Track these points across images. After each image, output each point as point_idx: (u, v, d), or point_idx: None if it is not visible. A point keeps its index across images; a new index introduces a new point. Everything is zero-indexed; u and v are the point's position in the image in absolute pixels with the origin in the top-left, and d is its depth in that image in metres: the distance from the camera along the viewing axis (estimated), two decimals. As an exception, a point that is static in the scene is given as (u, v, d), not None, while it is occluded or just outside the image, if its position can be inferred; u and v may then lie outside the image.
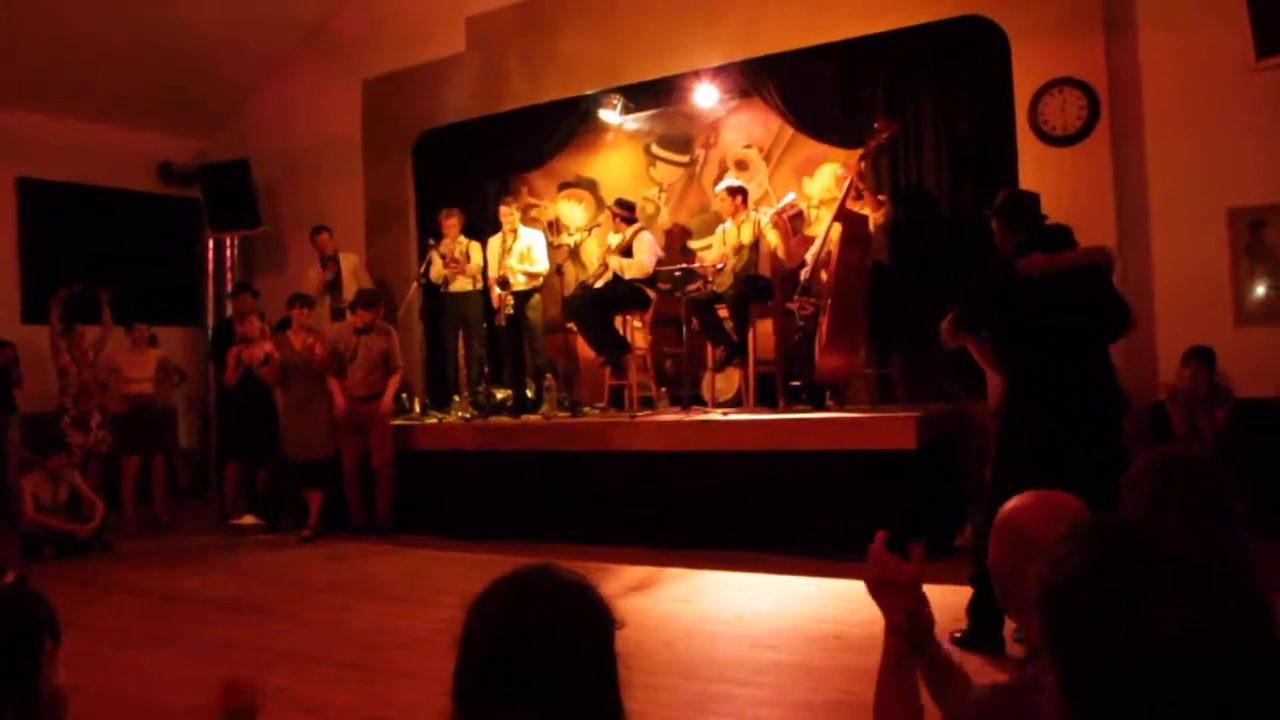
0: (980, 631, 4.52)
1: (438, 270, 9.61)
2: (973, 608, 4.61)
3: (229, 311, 10.39)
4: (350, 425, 8.73)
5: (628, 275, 8.71)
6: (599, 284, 8.96)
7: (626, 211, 8.93)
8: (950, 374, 7.53)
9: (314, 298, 9.72)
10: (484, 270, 9.64)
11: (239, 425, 9.45)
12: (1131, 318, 4.79)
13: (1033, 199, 5.13)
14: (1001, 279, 4.79)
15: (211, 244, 12.01)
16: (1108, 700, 1.01)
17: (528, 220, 9.90)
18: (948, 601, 4.87)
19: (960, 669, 2.16)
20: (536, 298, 9.38)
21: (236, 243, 12.03)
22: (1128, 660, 1.00)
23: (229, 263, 12.04)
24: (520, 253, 9.27)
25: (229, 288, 11.67)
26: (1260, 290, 7.11)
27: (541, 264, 9.37)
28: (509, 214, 9.42)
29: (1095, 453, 4.41)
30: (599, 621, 1.47)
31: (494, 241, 9.46)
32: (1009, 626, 4.29)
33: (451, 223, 9.66)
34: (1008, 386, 4.86)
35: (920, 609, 2.12)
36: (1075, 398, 4.59)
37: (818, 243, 7.73)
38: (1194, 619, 1.00)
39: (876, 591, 2.09)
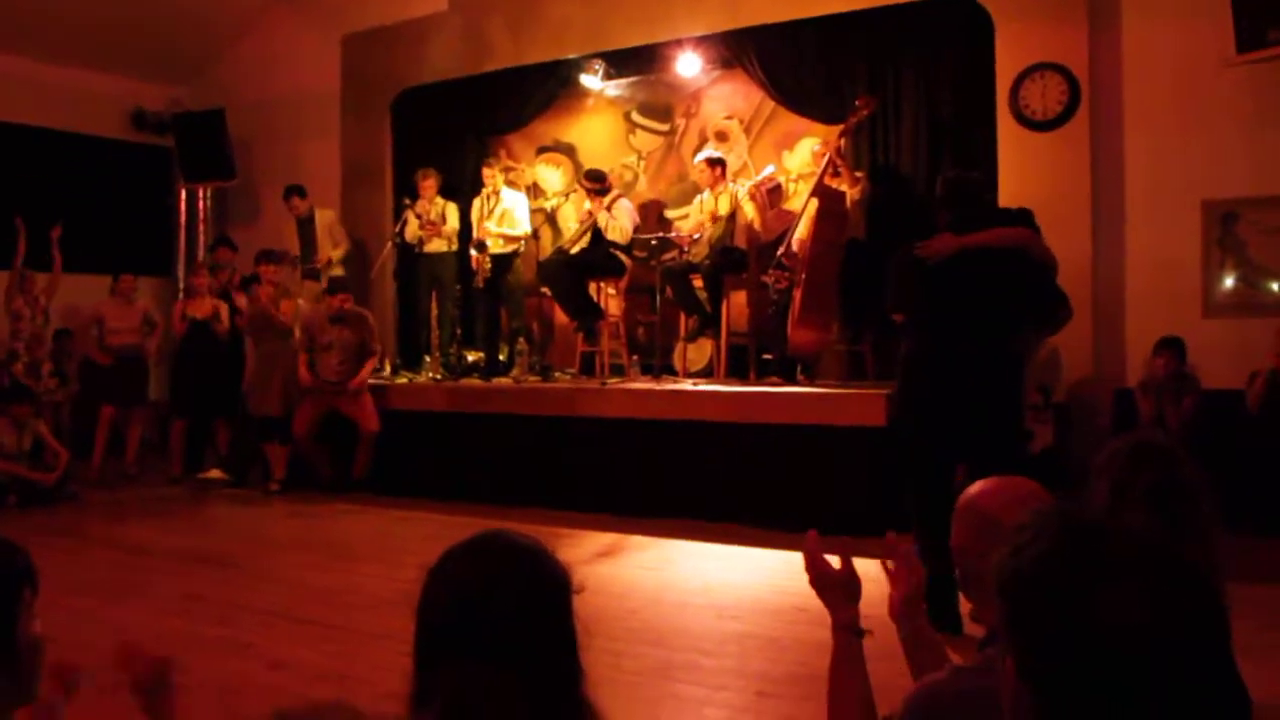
0: (937, 611, 4.53)
1: (413, 231, 9.56)
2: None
3: (208, 264, 10.31)
4: (312, 398, 8.66)
5: (610, 235, 8.67)
6: (575, 249, 8.94)
7: (597, 184, 8.83)
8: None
9: (283, 254, 9.65)
10: (460, 232, 9.63)
11: (185, 381, 9.42)
12: (1066, 309, 4.73)
13: (972, 181, 5.06)
14: (907, 260, 4.79)
15: (184, 195, 11.88)
16: (1065, 686, 1.03)
17: (509, 183, 9.84)
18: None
19: (942, 646, 2.20)
20: (518, 261, 9.36)
21: (209, 194, 11.91)
22: (1085, 647, 1.02)
23: (201, 214, 11.93)
24: (501, 214, 9.24)
25: (201, 239, 11.59)
26: (1229, 282, 7.20)
27: (523, 226, 9.35)
28: (492, 175, 9.40)
29: (983, 440, 4.47)
30: (554, 584, 1.50)
31: (476, 202, 9.43)
32: (964, 605, 4.32)
33: (428, 183, 9.61)
34: (900, 372, 4.90)
35: (911, 588, 2.19)
36: (964, 384, 4.56)
37: (799, 218, 7.74)
38: (1150, 608, 1.01)
39: (818, 589, 2.17)
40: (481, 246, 9.14)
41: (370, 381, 8.85)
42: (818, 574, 2.17)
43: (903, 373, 4.90)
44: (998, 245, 4.65)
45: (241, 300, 9.09)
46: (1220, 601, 1.05)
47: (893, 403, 4.89)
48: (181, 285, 11.26)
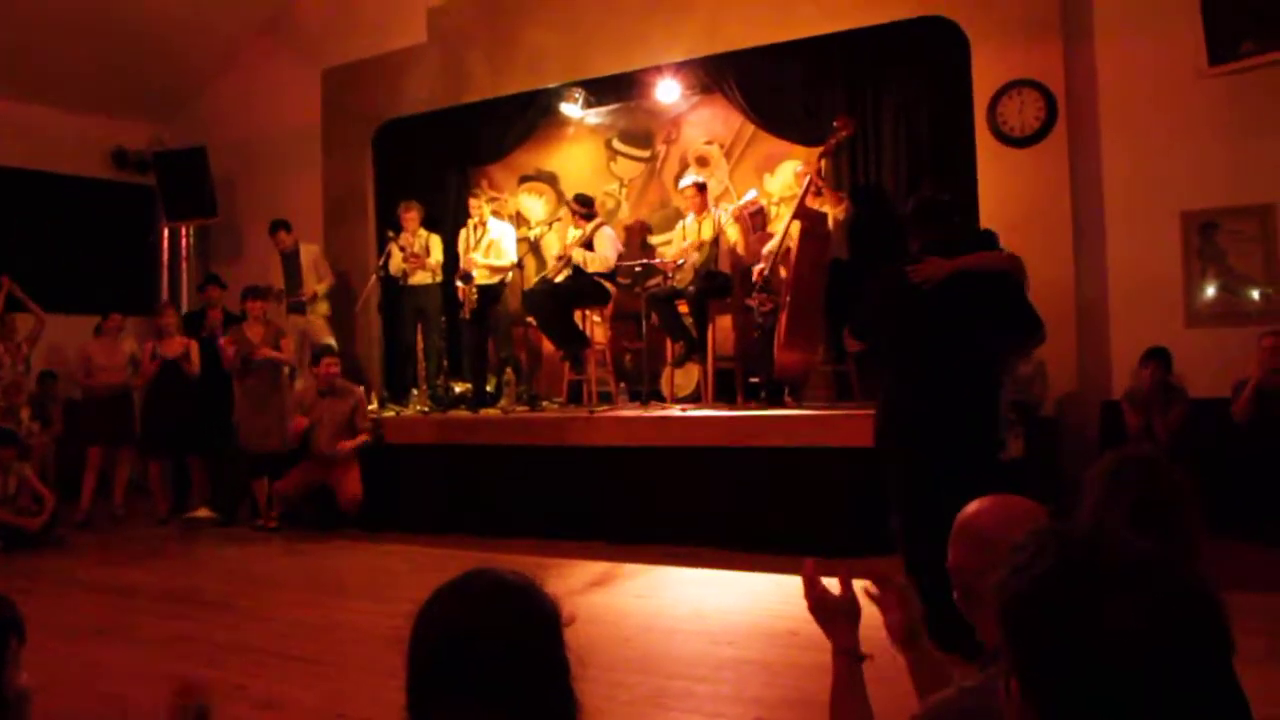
0: (946, 635, 4.46)
1: (396, 263, 9.56)
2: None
3: (196, 304, 10.30)
4: (303, 466, 8.58)
5: (590, 268, 8.71)
6: (559, 279, 8.94)
7: (584, 208, 8.91)
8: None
9: (268, 288, 9.63)
10: (444, 263, 9.64)
11: (156, 420, 9.38)
12: (1042, 331, 4.75)
13: (943, 204, 5.06)
14: (893, 284, 4.79)
15: (167, 233, 11.86)
16: (1070, 704, 1.03)
17: (495, 213, 9.85)
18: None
19: (946, 665, 2.20)
20: (505, 291, 9.36)
21: (192, 232, 11.89)
22: (1089, 664, 1.02)
23: (184, 252, 11.90)
24: (488, 245, 9.25)
25: (185, 277, 11.56)
26: (1210, 292, 7.25)
27: (510, 257, 9.35)
28: (478, 206, 9.41)
29: (961, 457, 4.48)
30: (543, 619, 1.50)
31: (462, 233, 9.44)
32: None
33: (410, 215, 9.62)
34: (882, 392, 4.91)
35: (908, 609, 2.19)
36: (944, 411, 4.58)
37: (776, 239, 7.76)
38: (1154, 623, 1.02)
39: (817, 615, 2.16)
40: (467, 278, 9.13)
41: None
42: (817, 599, 2.16)
43: (887, 396, 4.90)
44: (984, 269, 4.69)
45: (227, 344, 8.99)
46: (1223, 614, 1.05)
47: (878, 426, 4.86)
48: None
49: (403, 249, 9.53)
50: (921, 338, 4.68)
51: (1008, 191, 7.55)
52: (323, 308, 10.15)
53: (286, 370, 9.04)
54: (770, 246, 7.77)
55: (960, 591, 2.03)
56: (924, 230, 4.85)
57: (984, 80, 7.65)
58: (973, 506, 2.07)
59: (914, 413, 4.67)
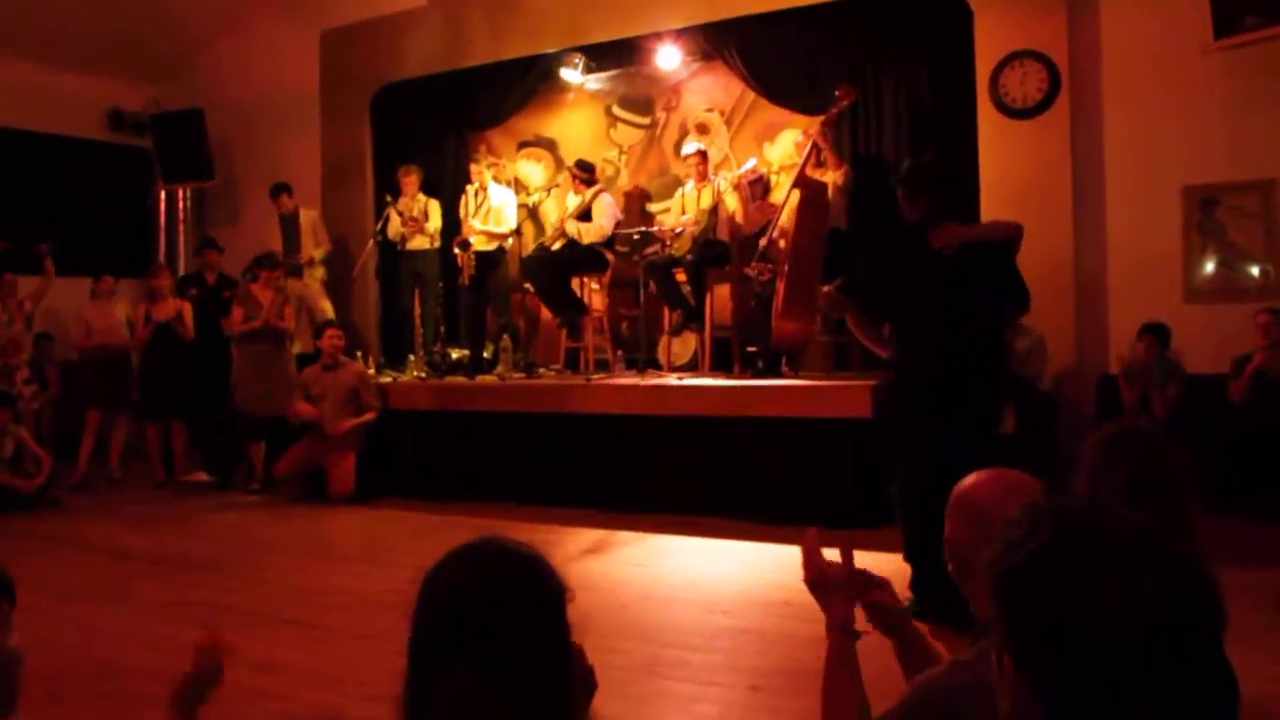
0: (938, 605, 4.46)
1: (395, 228, 9.52)
2: (916, 584, 4.62)
3: (193, 267, 10.28)
4: (303, 445, 8.52)
5: (585, 240, 8.69)
6: (556, 246, 8.92)
7: (586, 173, 8.88)
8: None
9: (279, 258, 9.61)
10: (443, 229, 9.61)
11: (151, 384, 9.37)
12: (1028, 301, 4.75)
13: (944, 168, 5.05)
14: (907, 249, 4.74)
15: (164, 196, 11.80)
16: (1066, 679, 1.03)
17: (495, 179, 9.79)
18: (900, 570, 4.94)
19: (933, 647, 2.20)
20: (505, 257, 9.33)
21: (189, 195, 11.84)
22: (1084, 640, 1.02)
23: (181, 215, 11.85)
24: (488, 211, 9.21)
25: (182, 240, 11.52)
26: (1209, 268, 7.23)
27: (510, 223, 9.30)
28: (479, 171, 9.35)
29: (967, 436, 4.46)
30: (548, 591, 1.50)
31: (463, 199, 9.40)
32: None
33: (410, 180, 9.59)
34: (896, 361, 4.84)
35: (885, 594, 2.18)
36: (956, 378, 4.57)
37: (783, 213, 7.73)
38: (1148, 597, 1.02)
39: (814, 591, 2.16)
40: (465, 245, 9.10)
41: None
42: (816, 573, 2.15)
43: (897, 362, 4.83)
44: (996, 237, 4.71)
45: (238, 312, 8.99)
46: (1217, 588, 1.05)
47: (883, 392, 4.87)
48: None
49: (401, 214, 9.49)
50: (935, 304, 4.65)
51: (1009, 163, 7.53)
52: (319, 273, 10.13)
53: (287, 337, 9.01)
54: (779, 219, 7.72)
55: (955, 565, 2.03)
56: (933, 196, 4.79)
57: (986, 50, 7.60)
58: (969, 480, 2.06)
59: (926, 378, 4.65)
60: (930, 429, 4.58)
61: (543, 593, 1.49)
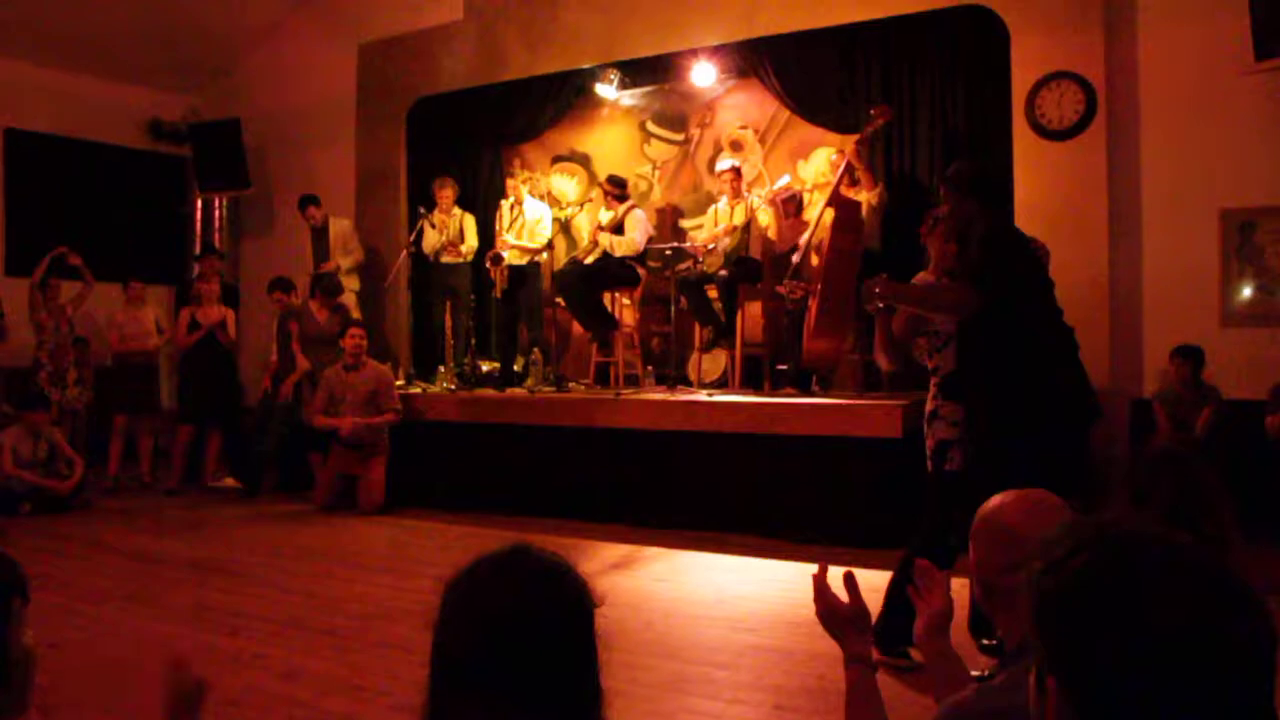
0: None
1: (431, 244, 9.55)
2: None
3: (195, 271, 10.37)
4: (331, 463, 8.55)
5: (618, 253, 8.70)
6: (589, 260, 8.93)
7: (618, 189, 8.89)
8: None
9: (334, 282, 9.72)
10: (479, 244, 9.67)
11: (192, 388, 9.42)
12: None
13: (994, 170, 4.87)
14: (1023, 252, 4.36)
15: (200, 203, 11.91)
16: (1112, 701, 1.01)
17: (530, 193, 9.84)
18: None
19: (965, 667, 2.17)
20: (540, 270, 9.36)
21: (225, 203, 11.94)
22: (1133, 661, 1.00)
23: (217, 223, 11.95)
24: (523, 226, 9.25)
25: (218, 248, 11.63)
26: (1247, 292, 7.14)
27: (545, 237, 9.32)
28: (515, 186, 9.41)
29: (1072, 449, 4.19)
30: (577, 605, 1.47)
31: (499, 212, 9.44)
32: None
33: (446, 192, 9.63)
34: (1004, 374, 4.20)
35: (936, 613, 2.16)
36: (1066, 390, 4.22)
37: (812, 228, 7.71)
38: (1198, 618, 1.00)
39: (826, 624, 2.13)
40: (498, 259, 9.13)
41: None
42: (826, 609, 2.13)
43: (1048, 375, 4.20)
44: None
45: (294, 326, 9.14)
46: (1265, 609, 1.03)
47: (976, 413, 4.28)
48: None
49: (434, 226, 9.53)
50: (1059, 316, 4.32)
51: (1044, 185, 7.47)
52: (352, 283, 10.17)
53: None
54: (807, 236, 7.71)
55: (981, 587, 2.00)
56: (992, 202, 4.50)
57: (1023, 71, 7.56)
58: (994, 501, 2.03)
59: (1084, 391, 4.32)
60: (1079, 444, 4.25)
61: (573, 612, 1.46)
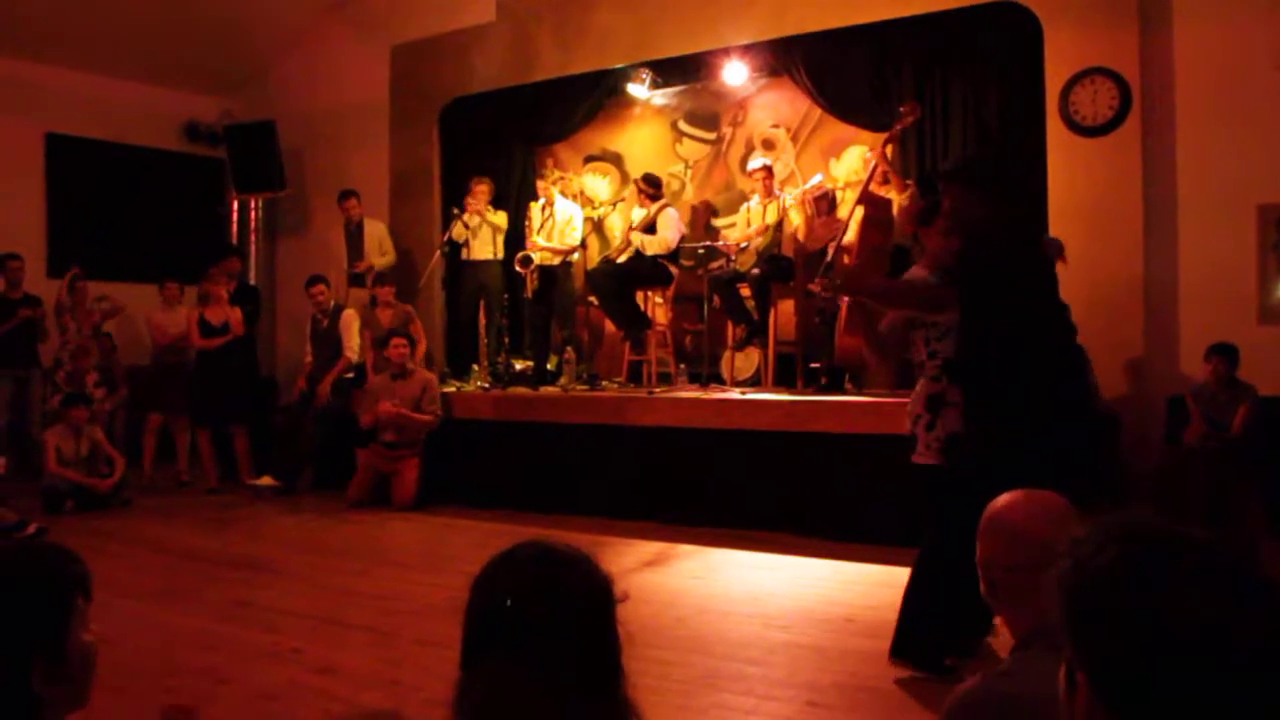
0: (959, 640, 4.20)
1: (459, 230, 9.58)
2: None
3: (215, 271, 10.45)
4: (369, 464, 8.64)
5: (649, 251, 8.72)
6: (621, 259, 8.96)
7: (652, 188, 8.91)
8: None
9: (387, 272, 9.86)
10: (508, 241, 9.71)
11: (205, 389, 9.48)
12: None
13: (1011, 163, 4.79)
14: (1027, 252, 4.38)
15: (236, 205, 12.04)
16: (1147, 697, 1.02)
17: (562, 193, 9.87)
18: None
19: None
20: (572, 269, 9.42)
21: (261, 204, 12.06)
22: (1166, 656, 1.01)
23: (253, 224, 12.07)
24: (554, 227, 9.30)
25: (253, 249, 11.74)
26: (1285, 288, 7.07)
27: (577, 237, 9.36)
28: (546, 188, 9.47)
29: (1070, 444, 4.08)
30: (591, 590, 1.53)
31: (534, 213, 9.51)
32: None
33: (481, 189, 9.67)
34: (1006, 372, 4.11)
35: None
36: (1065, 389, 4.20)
37: (848, 229, 7.70)
38: (1227, 613, 1.01)
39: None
40: (527, 261, 9.17)
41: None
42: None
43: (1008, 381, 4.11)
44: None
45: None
46: None
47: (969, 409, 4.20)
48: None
49: (467, 226, 9.58)
50: (1056, 316, 4.31)
51: (1078, 181, 7.43)
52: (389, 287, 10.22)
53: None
54: (844, 236, 7.69)
55: (987, 585, 2.02)
56: (1001, 196, 4.56)
57: (1056, 67, 7.52)
58: (1001, 500, 2.06)
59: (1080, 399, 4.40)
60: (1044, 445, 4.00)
61: (583, 592, 1.52)
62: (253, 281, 11.36)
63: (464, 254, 9.78)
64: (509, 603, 1.48)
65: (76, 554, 1.73)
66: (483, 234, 9.70)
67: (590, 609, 1.51)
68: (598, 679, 1.48)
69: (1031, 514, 1.95)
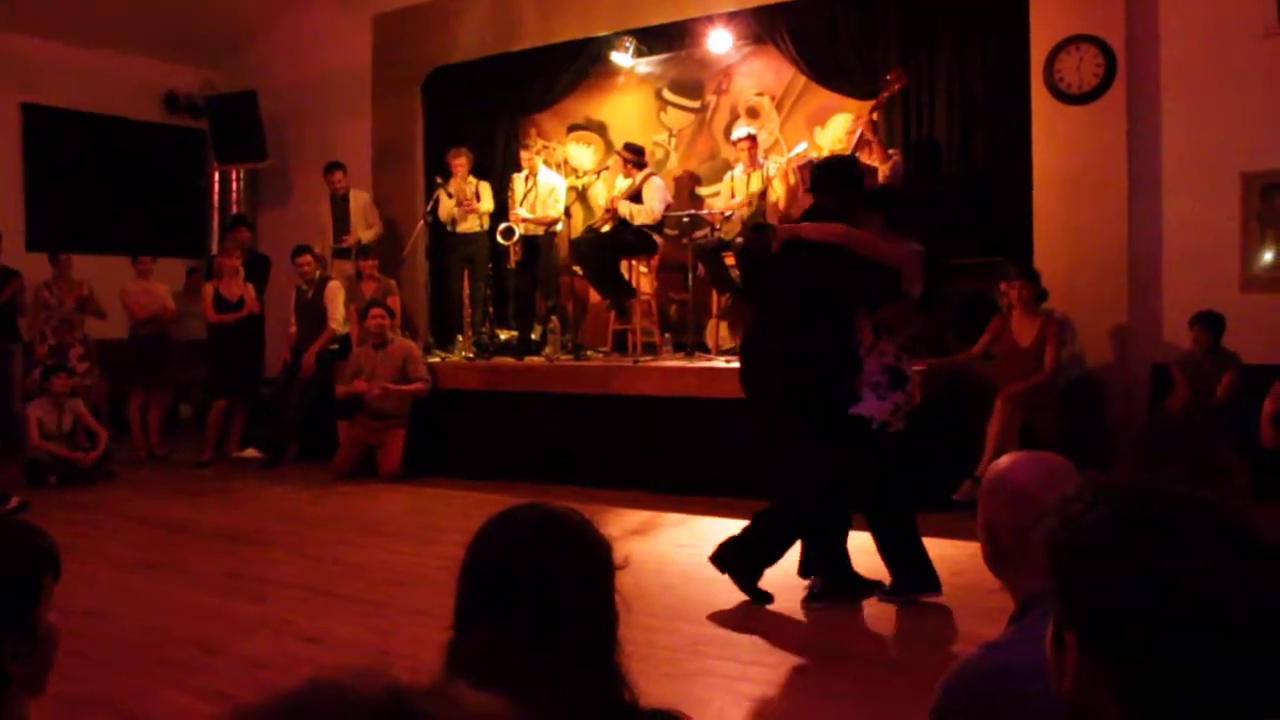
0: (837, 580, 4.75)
1: (446, 210, 9.58)
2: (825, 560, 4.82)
3: (229, 244, 10.41)
4: (353, 435, 8.62)
5: (637, 221, 8.69)
6: (606, 228, 8.94)
7: (635, 156, 8.88)
8: (952, 328, 7.56)
9: (372, 246, 9.85)
10: (493, 211, 9.68)
11: (221, 361, 9.49)
12: (890, 288, 4.78)
13: (831, 165, 5.40)
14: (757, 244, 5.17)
15: (217, 176, 11.96)
16: (1137, 654, 1.03)
17: (545, 162, 9.84)
18: (944, 555, 4.93)
19: None
20: (556, 239, 9.39)
21: (242, 175, 11.98)
22: (1157, 612, 1.01)
23: (235, 195, 11.99)
24: (539, 198, 9.28)
25: (246, 217, 11.68)
26: (1269, 256, 7.10)
27: (560, 207, 9.36)
28: (529, 159, 9.43)
29: (803, 410, 4.82)
30: (585, 553, 1.53)
31: (515, 184, 9.46)
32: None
33: (460, 161, 9.63)
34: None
35: None
36: (777, 361, 4.89)
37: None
38: (1217, 569, 1.01)
39: None
40: (510, 234, 9.15)
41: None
42: None
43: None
44: (819, 239, 4.83)
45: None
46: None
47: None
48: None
49: (452, 195, 9.55)
50: (767, 298, 5.14)
51: (1063, 149, 7.44)
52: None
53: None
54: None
55: (990, 548, 2.02)
56: (829, 192, 5.06)
57: (1041, 34, 7.50)
58: (1004, 461, 2.05)
59: (750, 374, 5.19)
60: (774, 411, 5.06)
61: (576, 554, 1.52)
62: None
63: (447, 225, 9.74)
64: (498, 564, 1.47)
65: (45, 531, 1.71)
66: (466, 195, 9.65)
67: (587, 574, 1.50)
68: (590, 645, 1.48)
69: (1036, 476, 1.95)
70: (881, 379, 4.76)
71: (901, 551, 4.69)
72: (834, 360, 4.82)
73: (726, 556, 4.86)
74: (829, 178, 5.16)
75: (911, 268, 4.76)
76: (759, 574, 4.80)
